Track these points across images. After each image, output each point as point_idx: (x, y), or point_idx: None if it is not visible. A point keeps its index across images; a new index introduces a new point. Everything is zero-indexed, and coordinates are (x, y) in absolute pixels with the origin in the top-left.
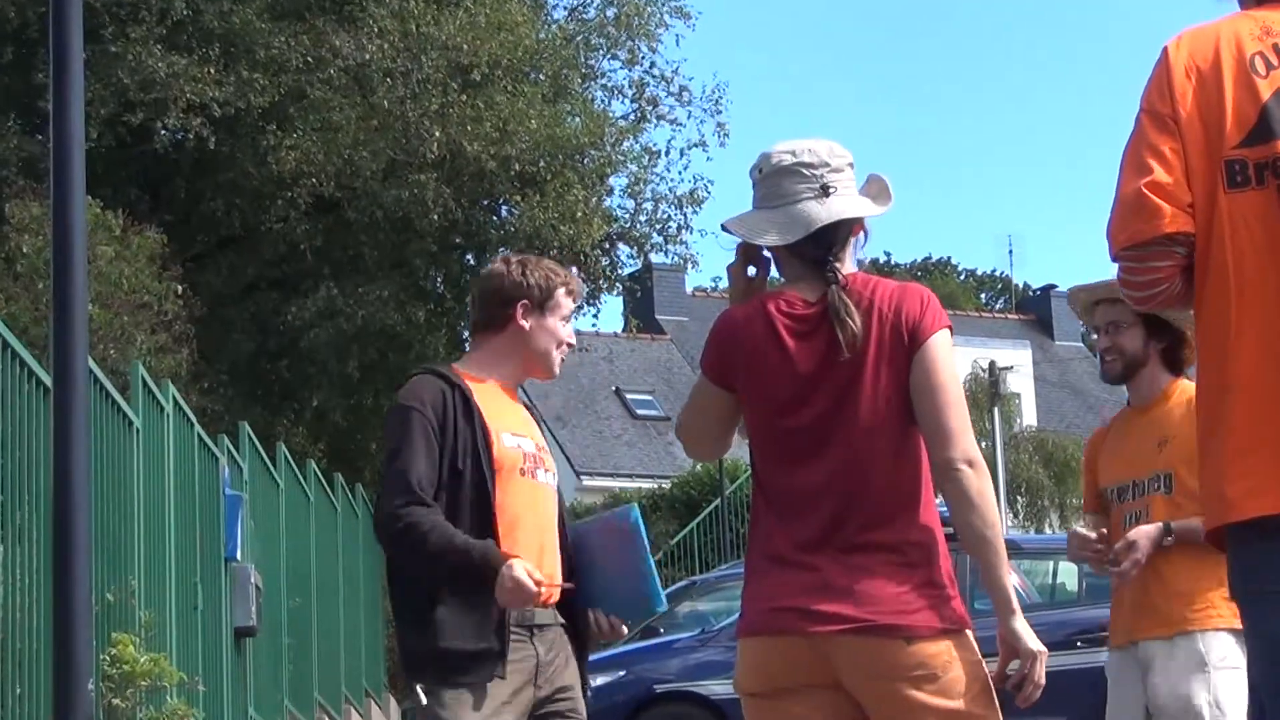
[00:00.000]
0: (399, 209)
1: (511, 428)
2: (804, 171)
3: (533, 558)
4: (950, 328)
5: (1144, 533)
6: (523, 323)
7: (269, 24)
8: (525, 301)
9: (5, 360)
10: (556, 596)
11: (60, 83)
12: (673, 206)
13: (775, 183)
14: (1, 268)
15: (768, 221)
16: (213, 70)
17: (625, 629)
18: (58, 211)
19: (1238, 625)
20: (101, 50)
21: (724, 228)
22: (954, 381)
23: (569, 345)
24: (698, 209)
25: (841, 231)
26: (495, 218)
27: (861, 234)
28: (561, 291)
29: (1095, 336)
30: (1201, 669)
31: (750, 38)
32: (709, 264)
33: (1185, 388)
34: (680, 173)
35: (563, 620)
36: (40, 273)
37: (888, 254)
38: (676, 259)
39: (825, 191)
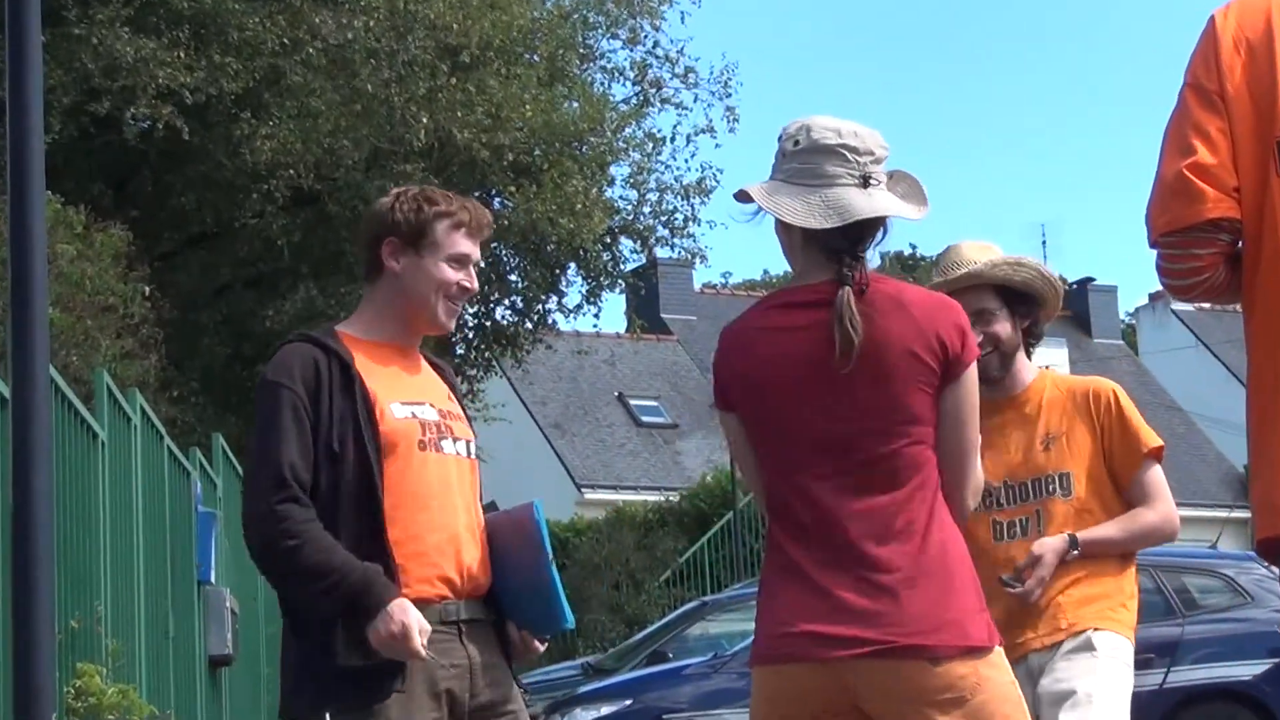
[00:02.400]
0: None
1: (404, 395)
2: (847, 155)
3: (448, 547)
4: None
5: (1050, 546)
6: (392, 264)
7: (242, 3)
8: (392, 239)
9: None
10: (486, 586)
11: (17, 69)
12: (679, 197)
13: (813, 161)
14: None
15: (801, 201)
16: (183, 54)
17: (539, 645)
18: (15, 208)
19: (1131, 633)
20: (63, 33)
21: (742, 195)
22: (976, 414)
23: (464, 290)
24: (706, 200)
25: (875, 228)
26: (489, 210)
27: (880, 232)
28: (443, 225)
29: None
30: (1090, 655)
31: (762, 14)
32: (719, 258)
33: (1052, 379)
34: (687, 161)
35: (493, 614)
36: None
37: (913, 246)
38: (683, 253)
39: (866, 182)
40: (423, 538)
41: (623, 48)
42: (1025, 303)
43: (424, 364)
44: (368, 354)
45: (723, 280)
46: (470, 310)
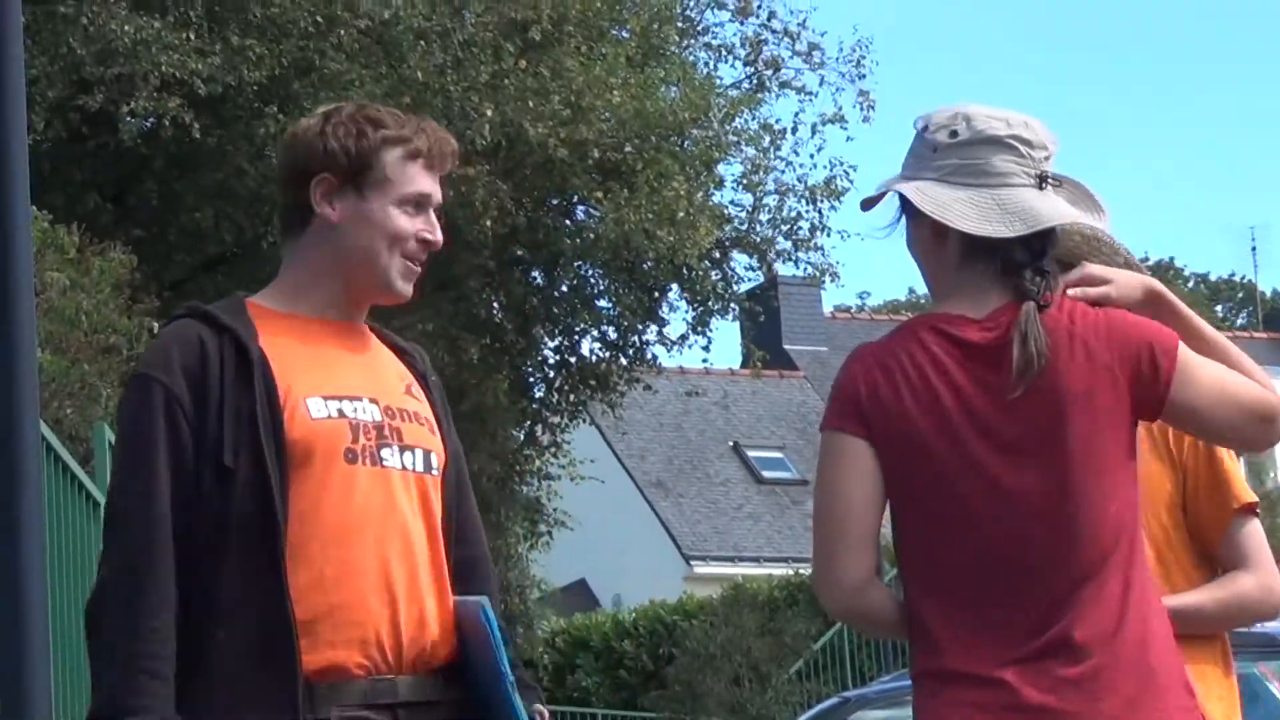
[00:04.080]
0: (442, 213)
1: (330, 387)
2: (1020, 149)
3: (380, 598)
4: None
5: None
6: (325, 210)
7: None
8: (325, 176)
9: None
10: (444, 656)
11: None
12: (803, 201)
13: (979, 154)
14: None
15: (968, 203)
16: (193, 36)
17: None
18: None
19: None
20: (48, 12)
21: (872, 200)
22: (1218, 383)
23: (425, 243)
24: (836, 204)
25: (1055, 238)
26: (569, 221)
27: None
28: (393, 155)
29: None
30: None
31: None
32: (853, 276)
33: None
34: (812, 156)
35: (455, 694)
36: None
37: None
38: (810, 270)
39: (1042, 182)
40: (344, 584)
41: (731, 20)
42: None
43: (375, 345)
44: (283, 331)
45: (859, 302)
46: (550, 344)
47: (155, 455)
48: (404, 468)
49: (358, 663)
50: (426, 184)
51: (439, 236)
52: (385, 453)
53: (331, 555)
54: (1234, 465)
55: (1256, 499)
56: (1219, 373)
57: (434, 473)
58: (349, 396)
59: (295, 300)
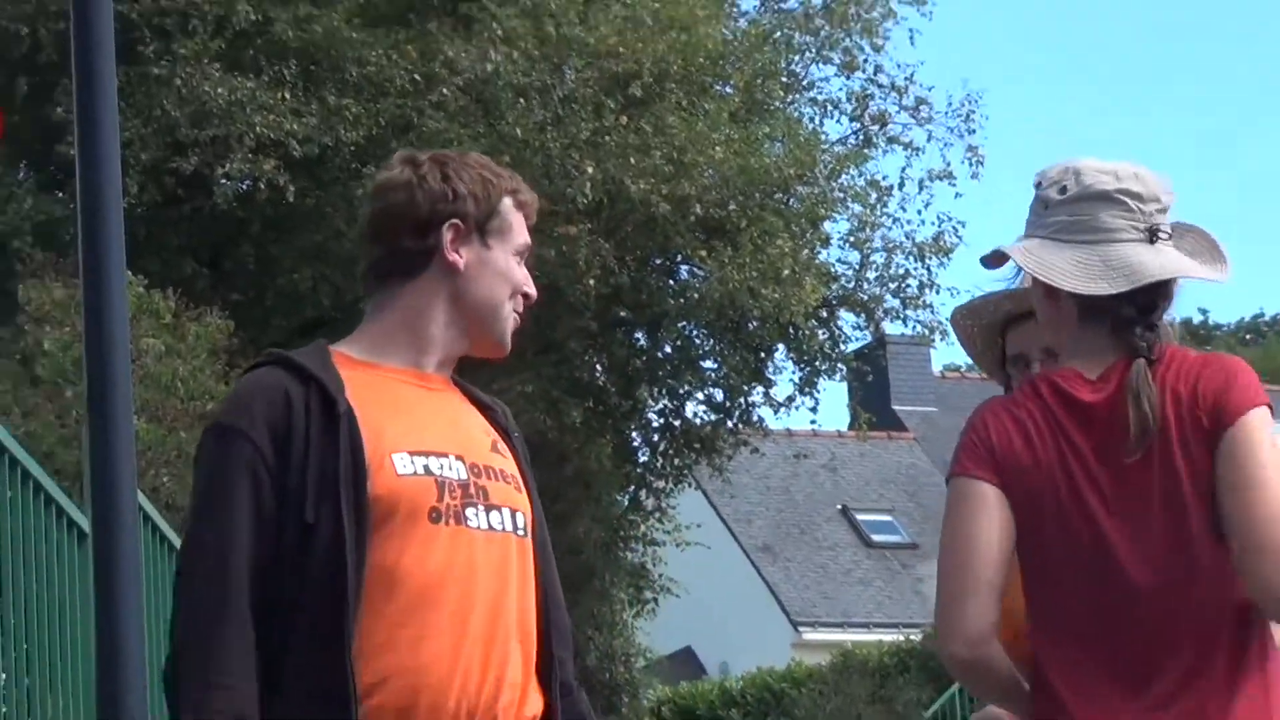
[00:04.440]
0: (542, 273)
1: (415, 442)
2: (1129, 203)
3: (454, 669)
4: (1270, 406)
5: None
6: (454, 256)
7: (361, 33)
8: (456, 221)
9: (25, 496)
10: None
11: (87, 120)
12: (911, 258)
13: (1086, 210)
14: (17, 371)
15: (1073, 261)
16: (289, 96)
17: None
18: (89, 294)
19: None
20: (141, 74)
21: (995, 258)
22: (1275, 473)
23: (528, 297)
24: (945, 260)
25: (1168, 291)
26: (672, 280)
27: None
28: (508, 202)
29: (1012, 373)
30: None
31: (1012, 31)
32: None
33: None
34: (920, 213)
35: None
36: (68, 377)
37: (1204, 312)
38: (919, 329)
39: (1153, 235)
40: (419, 646)
41: (837, 75)
42: None
43: (460, 399)
44: (370, 383)
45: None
46: (655, 407)
47: (235, 512)
48: (489, 528)
49: None
50: (528, 237)
51: (535, 291)
52: (470, 512)
53: (408, 616)
54: None
55: None
56: (1262, 475)
57: (521, 533)
58: (436, 453)
59: (384, 350)
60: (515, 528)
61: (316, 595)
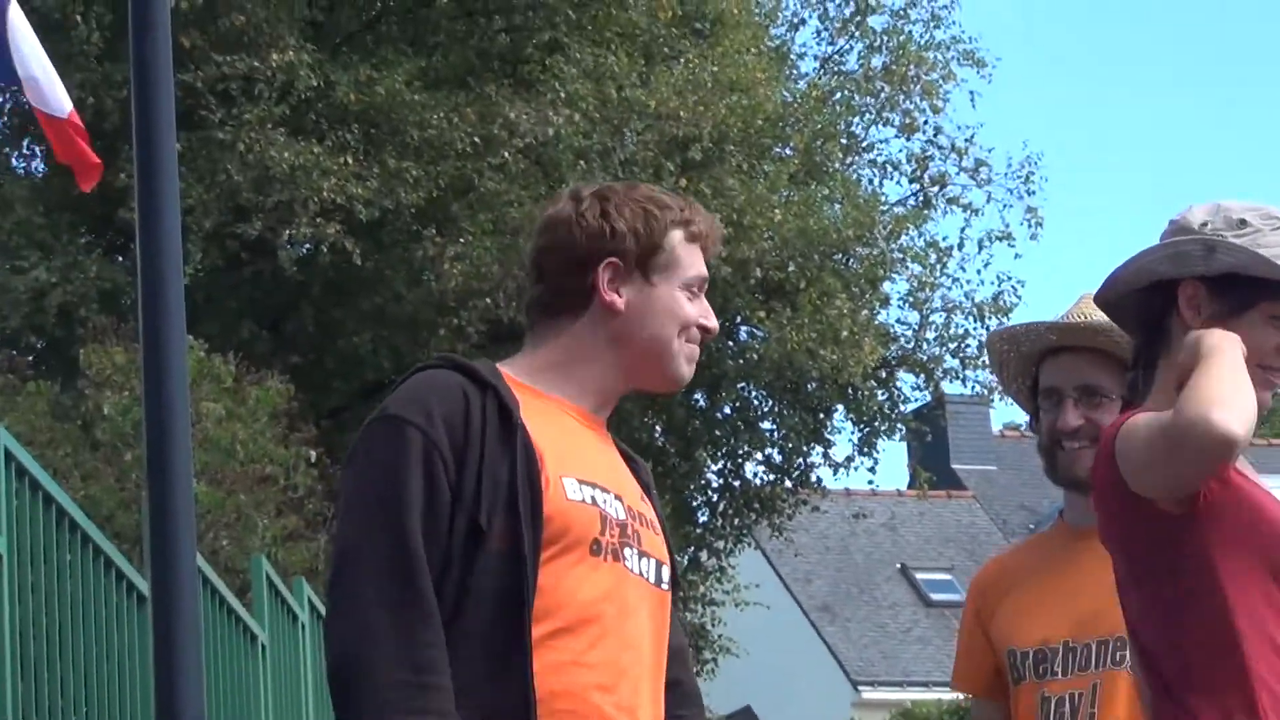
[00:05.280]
0: None
1: (582, 470)
2: None
3: (601, 700)
4: None
5: None
6: (613, 297)
7: (422, 96)
8: (614, 260)
9: (85, 560)
10: None
11: (148, 187)
12: (970, 318)
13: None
14: (77, 435)
15: None
16: (351, 160)
17: None
18: (149, 359)
19: None
20: (204, 139)
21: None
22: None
23: (706, 331)
24: (1004, 320)
25: None
26: (731, 342)
27: None
28: (678, 236)
29: (1043, 406)
30: None
31: (1071, 92)
32: None
33: None
34: (979, 272)
35: None
36: (128, 440)
37: None
38: (978, 389)
39: None
40: (568, 674)
41: (896, 136)
42: None
43: (612, 444)
44: (537, 406)
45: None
46: (714, 467)
47: (408, 508)
48: (641, 573)
49: None
50: (704, 267)
51: (716, 323)
52: (627, 552)
53: (562, 644)
54: None
55: None
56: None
57: (664, 587)
58: (600, 486)
59: (549, 380)
60: (660, 580)
61: (488, 608)
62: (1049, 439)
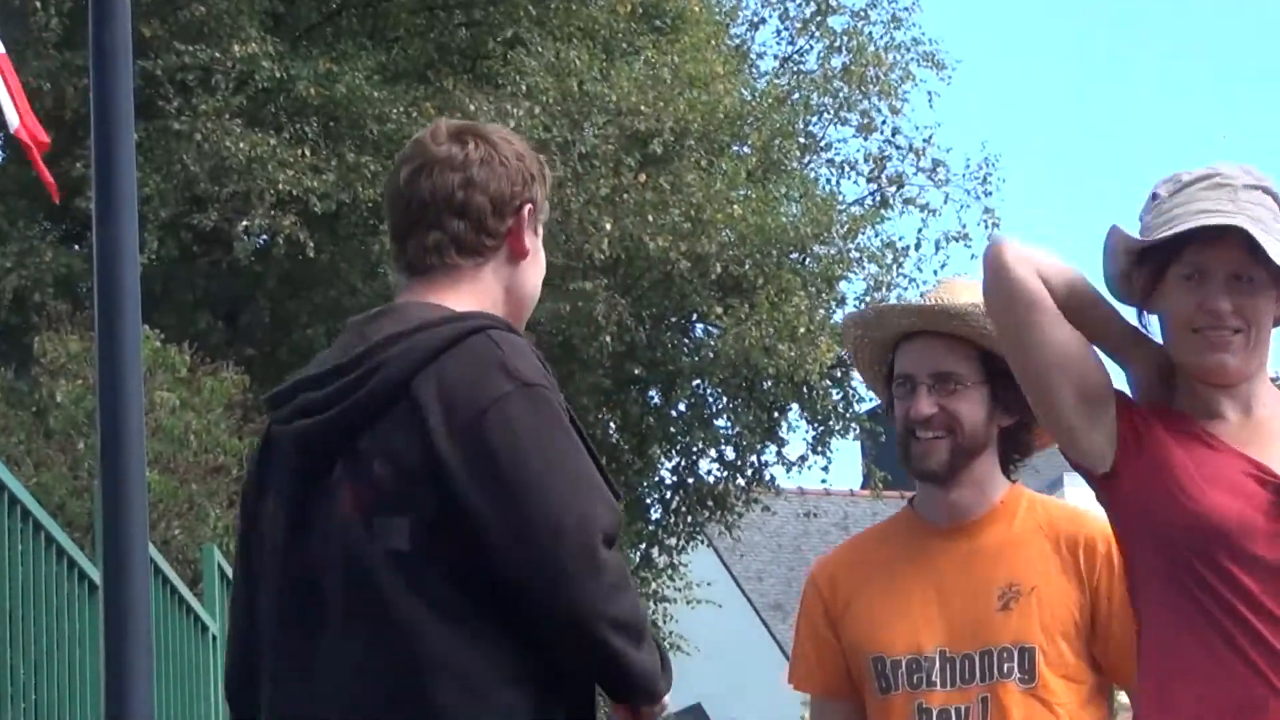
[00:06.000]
0: (558, 329)
1: None
2: None
3: None
4: None
5: None
6: (528, 244)
7: (381, 90)
8: (531, 205)
9: (37, 547)
10: None
11: (105, 174)
12: None
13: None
14: (30, 422)
15: None
16: (309, 153)
17: None
18: (103, 347)
19: None
20: (161, 129)
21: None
22: None
23: None
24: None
25: None
26: (687, 339)
27: None
28: (541, 196)
29: (896, 394)
30: None
31: (1029, 93)
32: None
33: (1031, 501)
34: (936, 274)
35: None
36: (80, 429)
37: None
38: None
39: None
40: None
41: (855, 136)
42: (1016, 390)
43: None
44: None
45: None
46: (667, 464)
47: (591, 466)
48: None
49: None
50: None
51: None
52: None
53: None
54: None
55: None
56: None
57: None
58: None
59: None
60: None
61: None
62: (902, 428)
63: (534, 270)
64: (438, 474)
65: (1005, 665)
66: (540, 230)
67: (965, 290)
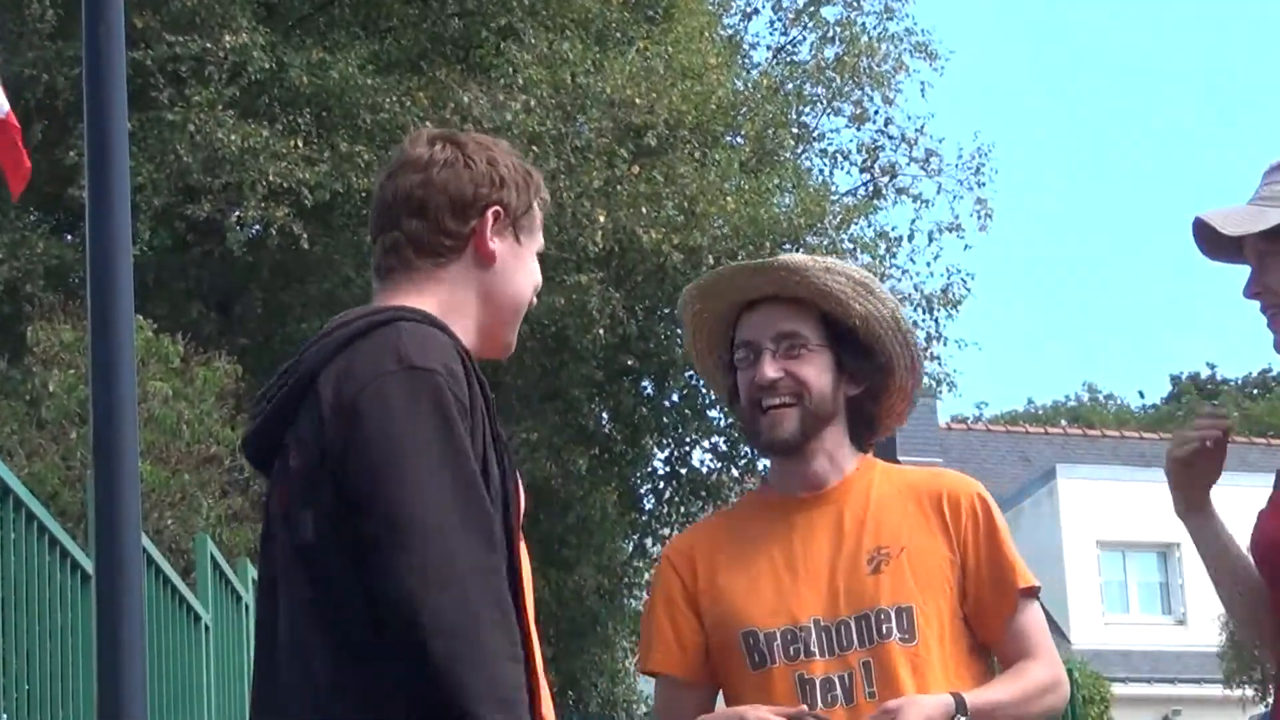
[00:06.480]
0: (551, 322)
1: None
2: None
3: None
4: None
5: (925, 707)
6: (491, 245)
7: (374, 80)
8: (499, 209)
9: (29, 537)
10: None
11: (98, 163)
12: (919, 310)
13: None
14: (22, 412)
15: None
16: (301, 143)
17: None
18: (97, 337)
19: None
20: (154, 119)
21: None
22: None
23: (530, 304)
24: (953, 312)
25: None
26: (679, 330)
27: None
28: (539, 203)
29: (739, 366)
30: None
31: (1021, 83)
32: (970, 386)
33: (883, 469)
34: (929, 264)
35: None
36: (73, 418)
37: (1211, 366)
38: (926, 380)
39: None
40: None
41: (847, 126)
42: (861, 358)
43: None
44: None
45: (976, 412)
46: (660, 455)
47: (468, 459)
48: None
49: None
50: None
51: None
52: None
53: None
54: (1010, 539)
55: (1038, 583)
56: None
57: None
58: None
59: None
60: None
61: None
62: (748, 400)
63: (515, 277)
64: (326, 460)
65: (884, 627)
66: (525, 239)
67: (807, 259)
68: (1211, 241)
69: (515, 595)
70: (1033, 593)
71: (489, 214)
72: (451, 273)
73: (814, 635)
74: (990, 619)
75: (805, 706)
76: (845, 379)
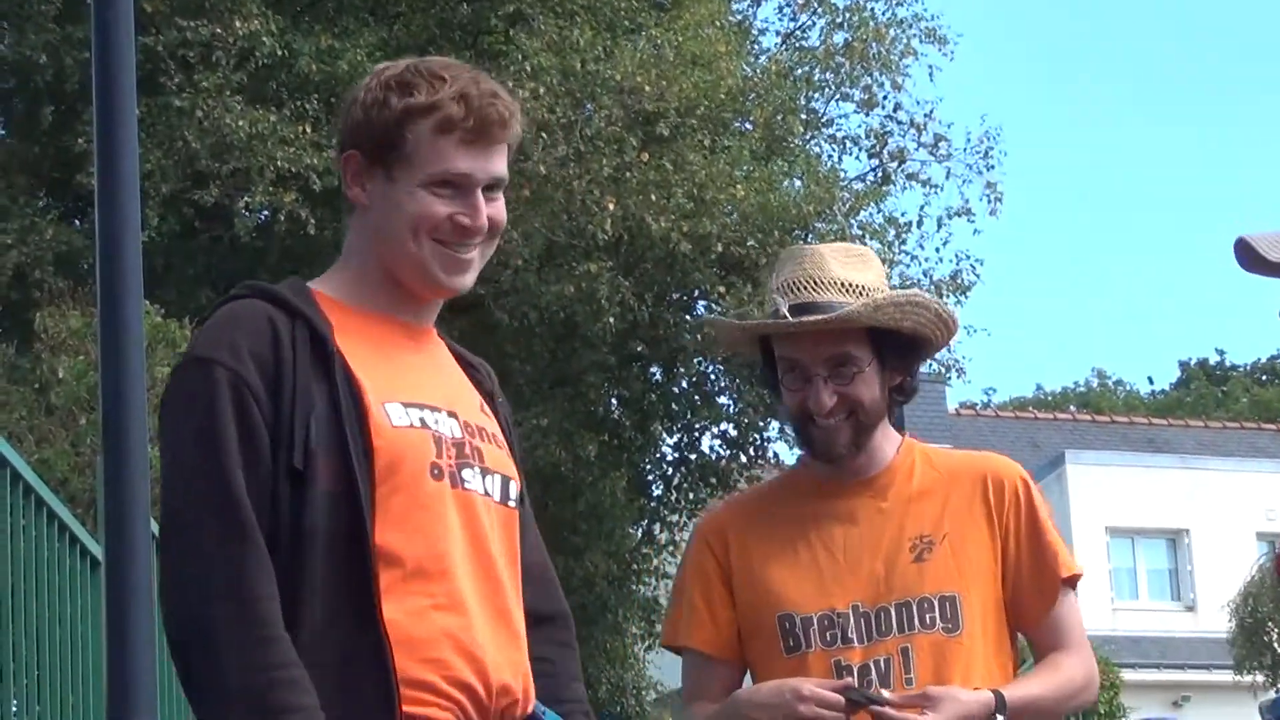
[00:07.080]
0: (561, 308)
1: (406, 392)
2: None
3: (466, 638)
4: None
5: (966, 703)
6: (354, 191)
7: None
8: (354, 153)
9: (39, 523)
10: (527, 710)
11: (108, 151)
12: (929, 295)
13: None
14: (31, 398)
15: None
16: (310, 129)
17: None
18: (105, 323)
19: None
20: (163, 105)
21: None
22: None
23: (461, 229)
24: (963, 297)
25: None
26: (690, 317)
27: None
28: (422, 127)
29: (785, 380)
30: None
31: (1030, 68)
32: (979, 372)
33: (924, 453)
34: (938, 250)
35: None
36: (83, 404)
37: (1220, 353)
38: (935, 366)
39: None
40: (427, 619)
41: (856, 112)
42: (905, 354)
43: (445, 353)
44: (353, 327)
45: (985, 398)
46: (669, 441)
47: (226, 453)
48: (486, 493)
49: (444, 713)
50: (462, 162)
51: (480, 220)
52: (466, 474)
53: (415, 587)
54: (1054, 526)
55: (1081, 571)
56: None
57: (513, 504)
58: (430, 406)
59: (360, 293)
60: (508, 497)
61: (330, 552)
62: (799, 413)
63: (390, 216)
64: None
65: (928, 615)
66: (400, 172)
67: (834, 265)
68: (1252, 258)
69: (354, 527)
70: (1074, 581)
71: (345, 160)
72: (354, 222)
73: (852, 622)
74: (1029, 607)
75: (852, 679)
76: (889, 374)
